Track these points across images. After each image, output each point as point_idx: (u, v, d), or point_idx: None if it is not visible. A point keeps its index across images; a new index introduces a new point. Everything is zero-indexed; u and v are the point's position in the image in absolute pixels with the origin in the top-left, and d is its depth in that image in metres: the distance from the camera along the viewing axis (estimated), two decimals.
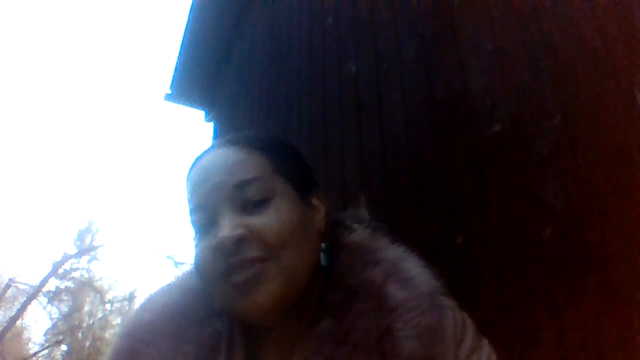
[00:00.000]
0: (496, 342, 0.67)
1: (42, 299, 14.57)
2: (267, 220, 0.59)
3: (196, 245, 0.62)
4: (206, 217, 0.60)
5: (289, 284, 0.57)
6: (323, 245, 0.65)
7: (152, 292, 0.70)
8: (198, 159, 0.66)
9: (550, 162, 1.16)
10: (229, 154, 0.63)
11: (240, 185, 0.60)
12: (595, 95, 1.09)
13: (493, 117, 1.34)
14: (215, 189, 0.60)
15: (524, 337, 1.12)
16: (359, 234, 0.69)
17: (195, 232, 0.62)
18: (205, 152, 0.67)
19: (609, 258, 1.00)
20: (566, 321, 1.05)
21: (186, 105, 4.21)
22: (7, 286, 13.27)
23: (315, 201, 0.67)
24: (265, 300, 0.56)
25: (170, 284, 0.70)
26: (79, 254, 17.41)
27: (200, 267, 0.60)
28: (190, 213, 0.63)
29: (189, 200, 0.63)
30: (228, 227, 0.57)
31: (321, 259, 0.64)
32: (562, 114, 1.16)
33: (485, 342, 0.64)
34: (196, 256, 0.61)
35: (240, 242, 0.57)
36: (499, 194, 1.29)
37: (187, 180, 0.65)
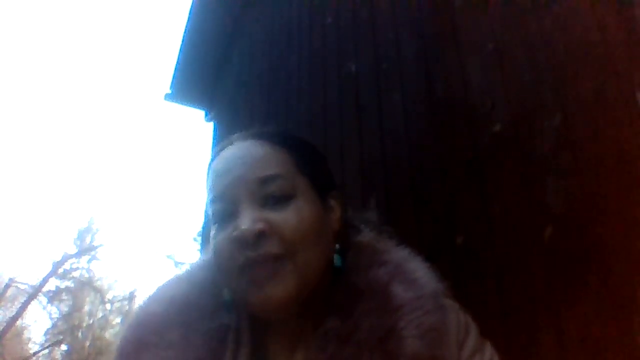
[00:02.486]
0: (496, 342, 0.67)
1: (42, 299, 14.58)
2: (288, 218, 0.59)
3: (214, 235, 0.62)
4: (226, 208, 0.61)
5: (303, 282, 0.58)
6: (337, 245, 0.66)
7: (161, 284, 0.70)
8: (222, 148, 0.67)
9: (550, 162, 1.16)
10: (254, 148, 0.64)
11: (264, 181, 0.61)
12: (595, 95, 1.09)
13: (493, 117, 1.34)
14: (238, 181, 0.61)
15: (524, 337, 1.12)
16: (366, 235, 0.70)
17: (214, 222, 0.63)
18: (230, 142, 0.67)
19: (609, 258, 1.00)
20: (566, 321, 1.05)
21: (186, 105, 4.21)
22: (7, 286, 13.27)
23: (332, 202, 0.68)
24: (280, 297, 0.57)
25: (178, 276, 0.71)
26: (79, 253, 17.41)
27: (218, 258, 0.61)
28: (210, 202, 0.63)
29: (209, 189, 0.64)
30: (249, 220, 0.58)
31: (335, 260, 0.65)
32: (562, 113, 1.16)
33: (488, 345, 0.65)
34: (214, 246, 0.62)
35: (260, 236, 0.58)
36: (499, 193, 1.29)
37: (209, 169, 0.66)
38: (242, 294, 0.59)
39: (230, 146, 0.66)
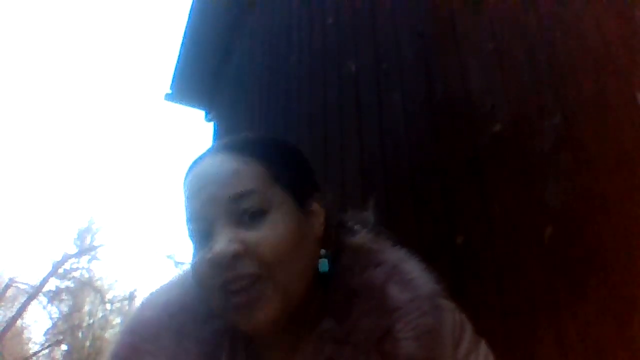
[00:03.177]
0: (496, 342, 0.67)
1: (42, 299, 14.58)
2: (263, 235, 0.58)
3: (193, 255, 0.61)
4: (202, 228, 0.60)
5: (286, 300, 0.57)
6: (322, 251, 0.64)
7: (154, 289, 0.70)
8: (194, 164, 0.65)
9: (550, 162, 1.16)
10: (226, 163, 0.62)
11: (236, 198, 0.59)
12: (596, 95, 1.09)
13: (493, 117, 1.34)
14: (210, 200, 0.59)
15: (524, 337, 1.12)
16: (361, 236, 0.69)
17: (192, 241, 0.62)
18: (202, 157, 0.65)
19: (609, 258, 1.00)
20: (566, 321, 1.05)
21: (186, 105, 4.21)
22: (7, 286, 13.28)
23: (314, 206, 0.66)
24: (264, 320, 0.56)
25: (172, 281, 0.70)
26: (79, 253, 17.40)
27: (197, 279, 0.60)
28: (187, 222, 0.62)
29: (185, 208, 0.63)
30: (223, 241, 0.57)
31: (320, 265, 0.63)
32: (562, 113, 1.16)
33: (482, 344, 0.65)
34: (193, 267, 0.61)
35: (235, 257, 0.56)
36: (499, 193, 1.29)
37: (184, 186, 0.64)
38: (226, 316, 0.59)
39: (201, 162, 0.64)
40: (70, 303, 17.17)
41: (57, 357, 16.99)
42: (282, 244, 0.58)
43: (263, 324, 0.56)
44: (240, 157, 0.62)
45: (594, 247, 1.03)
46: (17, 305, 14.10)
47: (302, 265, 0.60)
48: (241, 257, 0.57)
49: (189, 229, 0.62)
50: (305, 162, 0.70)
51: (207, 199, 0.60)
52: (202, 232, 0.60)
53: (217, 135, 3.94)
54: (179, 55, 3.94)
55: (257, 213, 0.59)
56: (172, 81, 4.04)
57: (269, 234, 0.58)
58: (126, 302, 17.40)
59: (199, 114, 4.21)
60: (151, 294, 0.69)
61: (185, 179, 0.65)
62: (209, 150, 0.66)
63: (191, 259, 0.61)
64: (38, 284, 13.43)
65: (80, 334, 16.88)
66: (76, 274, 17.47)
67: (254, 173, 0.61)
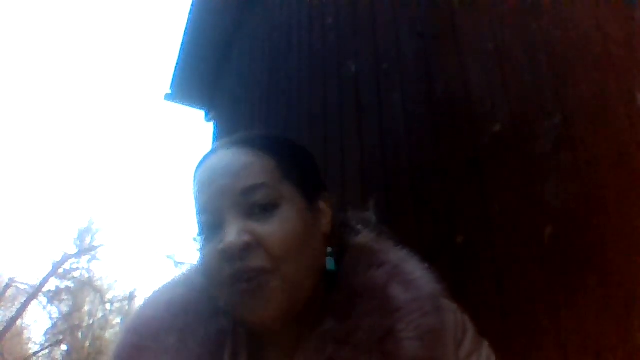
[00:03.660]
0: (496, 342, 0.67)
1: (42, 299, 14.57)
2: (273, 230, 0.58)
3: (202, 247, 0.61)
4: (212, 220, 0.60)
5: (292, 295, 0.58)
6: (329, 249, 0.65)
7: (157, 288, 0.70)
8: (205, 158, 0.66)
9: (550, 162, 1.16)
10: (237, 157, 0.63)
11: (247, 191, 0.60)
12: (595, 95, 1.09)
13: (493, 117, 1.34)
14: (221, 193, 0.60)
15: (524, 337, 1.12)
16: (364, 236, 0.70)
17: (201, 233, 0.62)
18: (213, 151, 0.66)
19: (609, 258, 1.00)
20: (566, 321, 1.05)
21: (186, 105, 4.21)
22: (7, 286, 13.29)
23: (322, 204, 0.67)
24: (269, 312, 0.57)
25: (174, 280, 0.70)
26: (79, 254, 17.40)
27: (206, 270, 0.61)
28: (197, 214, 0.62)
29: (195, 200, 0.63)
30: (234, 233, 0.57)
31: (327, 264, 0.64)
32: (562, 113, 1.16)
33: (485, 344, 0.65)
34: (202, 258, 0.61)
35: (245, 249, 0.57)
36: (499, 193, 1.29)
37: (194, 179, 0.65)
38: (232, 308, 0.59)
39: (213, 155, 0.65)
40: (70, 303, 17.16)
41: (57, 357, 16.99)
42: (291, 239, 0.59)
43: (268, 316, 0.57)
44: (251, 151, 0.63)
45: (594, 247, 1.03)
46: (17, 305, 14.10)
47: (310, 262, 0.61)
48: (251, 249, 0.57)
49: (198, 221, 0.62)
50: (314, 162, 0.71)
51: (217, 191, 0.60)
52: (212, 225, 0.60)
53: (217, 135, 3.94)
54: (179, 55, 3.94)
55: (267, 206, 0.59)
56: (172, 81, 4.04)
57: (278, 228, 0.58)
58: (126, 302, 17.41)
59: (199, 114, 4.21)
60: (154, 293, 0.69)
61: (196, 172, 0.65)
62: (220, 145, 0.66)
63: (200, 251, 0.61)
64: (38, 284, 13.43)
65: (80, 334, 16.88)
66: (76, 274, 17.48)
67: (265, 167, 0.62)
